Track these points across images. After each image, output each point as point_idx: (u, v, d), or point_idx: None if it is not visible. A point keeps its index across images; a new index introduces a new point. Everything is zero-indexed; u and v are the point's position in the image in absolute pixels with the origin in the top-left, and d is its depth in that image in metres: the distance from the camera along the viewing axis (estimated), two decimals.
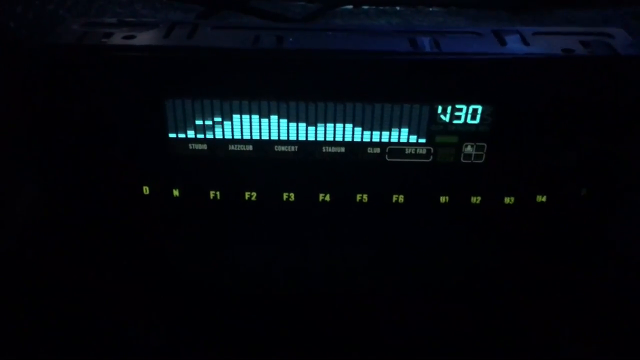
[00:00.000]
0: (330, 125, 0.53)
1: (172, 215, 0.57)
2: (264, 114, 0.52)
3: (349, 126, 0.53)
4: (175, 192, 0.57)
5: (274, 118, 0.53)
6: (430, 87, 0.51)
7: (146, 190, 0.56)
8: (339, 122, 0.53)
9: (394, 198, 0.57)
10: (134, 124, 0.53)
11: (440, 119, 0.53)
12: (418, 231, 0.57)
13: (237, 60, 0.50)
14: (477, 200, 0.57)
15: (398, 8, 0.74)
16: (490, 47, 0.52)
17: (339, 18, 0.72)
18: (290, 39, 0.51)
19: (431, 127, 0.53)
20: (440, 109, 0.52)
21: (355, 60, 0.50)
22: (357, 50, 0.51)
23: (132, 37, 0.51)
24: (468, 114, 0.53)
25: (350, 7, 0.74)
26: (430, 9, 0.75)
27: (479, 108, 0.52)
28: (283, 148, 0.54)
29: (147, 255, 0.55)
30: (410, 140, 0.54)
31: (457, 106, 0.52)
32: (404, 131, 0.53)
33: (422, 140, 0.54)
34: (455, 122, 0.53)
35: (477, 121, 0.53)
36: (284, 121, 0.53)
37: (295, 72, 0.50)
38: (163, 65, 0.50)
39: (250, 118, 0.53)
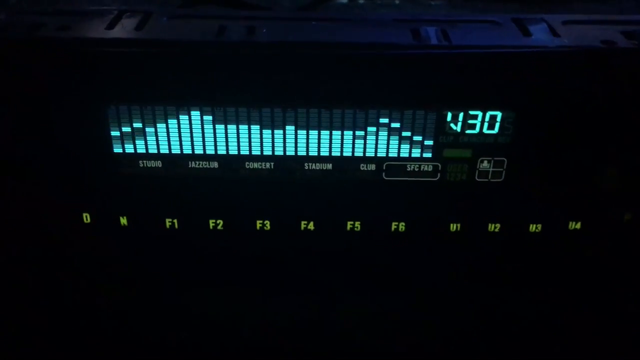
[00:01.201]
0: (313, 137, 0.46)
1: (118, 250, 0.51)
2: (231, 123, 0.46)
3: (337, 138, 0.46)
4: (123, 221, 0.50)
5: (243, 128, 0.46)
6: (437, 89, 0.44)
7: (86, 218, 0.50)
8: (325, 133, 0.46)
9: (393, 226, 0.50)
10: (70, 137, 0.46)
11: (450, 128, 0.46)
12: (422, 267, 0.52)
13: (196, 55, 0.43)
14: (495, 227, 0.50)
15: (397, 1, 0.66)
16: (512, 39, 0.45)
17: (333, 12, 0.65)
18: (264, 30, 0.45)
19: (439, 139, 0.46)
20: (450, 116, 0.46)
21: (343, 55, 0.43)
22: (346, 43, 0.44)
23: (66, 28, 0.44)
24: (484, 122, 0.46)
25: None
26: (433, 2, 0.68)
27: (498, 115, 0.45)
28: (256, 165, 0.48)
29: (85, 300, 0.49)
30: (413, 155, 0.47)
31: (471, 112, 0.45)
32: (405, 144, 0.47)
33: (428, 155, 0.47)
34: (468, 132, 0.46)
35: (495, 131, 0.46)
36: (256, 132, 0.46)
37: (269, 70, 0.44)
38: (104, 63, 0.43)
39: (214, 128, 0.46)
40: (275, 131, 0.46)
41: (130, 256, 0.52)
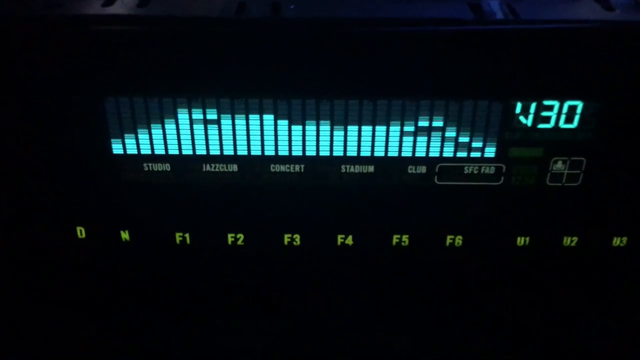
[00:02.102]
0: (352, 134, 0.43)
1: (118, 270, 0.48)
2: (254, 117, 0.42)
3: (380, 134, 0.43)
4: (124, 236, 0.47)
5: (268, 123, 0.42)
6: (504, 75, 0.40)
7: (80, 232, 0.47)
8: (366, 129, 0.42)
9: (448, 240, 0.47)
10: (60, 136, 0.43)
11: (519, 122, 0.42)
12: (484, 287, 0.48)
13: (212, 36, 0.40)
14: (571, 241, 0.46)
15: None
16: (593, 12, 0.41)
17: None
18: (292, 6, 0.41)
19: (504, 135, 0.42)
20: (519, 107, 0.41)
21: (389, 34, 0.39)
22: (392, 19, 0.40)
23: (57, 4, 0.41)
24: (561, 114, 0.41)
25: None
26: None
27: (579, 105, 0.41)
28: (283, 168, 0.44)
29: (80, 323, 0.47)
30: (472, 155, 0.43)
31: (545, 103, 0.41)
32: (463, 141, 0.43)
33: (490, 154, 0.43)
34: (541, 126, 0.42)
35: (574, 125, 0.42)
36: (283, 128, 0.42)
37: (299, 53, 0.40)
38: (99, 45, 0.40)
39: (234, 124, 0.42)
40: (307, 127, 0.43)
41: (133, 277, 0.49)
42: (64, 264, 0.48)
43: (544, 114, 0.41)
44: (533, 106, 0.41)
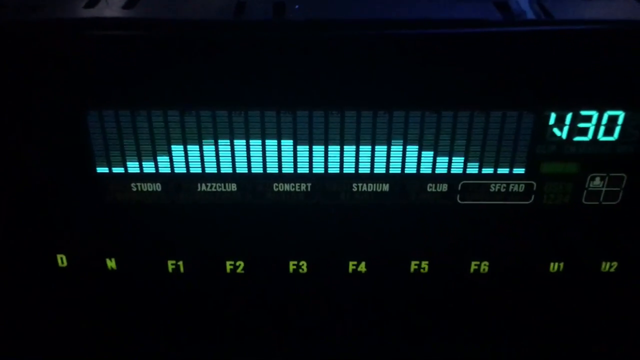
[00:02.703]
0: (365, 148, 0.40)
1: (104, 303, 0.46)
2: (255, 131, 0.40)
3: (396, 149, 0.40)
4: (110, 264, 0.44)
5: (271, 138, 0.40)
6: (537, 82, 0.38)
7: (62, 261, 0.44)
8: (381, 142, 0.40)
9: (473, 266, 0.44)
10: (38, 154, 0.41)
11: (553, 134, 0.40)
12: (512, 319, 0.46)
13: (208, 40, 0.37)
14: (610, 267, 0.44)
15: None
16: (634, 11, 0.38)
17: None
18: (297, 6, 0.39)
19: (535, 149, 0.40)
20: (553, 117, 0.39)
21: (406, 36, 0.37)
22: (410, 20, 0.37)
23: (35, 8, 0.39)
24: (600, 125, 0.39)
25: None
26: None
27: (620, 115, 0.39)
28: (287, 187, 0.42)
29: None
30: (499, 171, 0.41)
31: (583, 113, 0.39)
32: (490, 156, 0.41)
33: (519, 170, 0.41)
34: (577, 139, 0.39)
35: (614, 137, 0.39)
36: (288, 143, 0.40)
37: (305, 59, 0.38)
38: (81, 52, 0.37)
39: (232, 139, 0.40)
40: (314, 141, 0.40)
41: (121, 310, 0.47)
42: (44, 296, 0.45)
43: (581, 125, 0.39)
44: (569, 117, 0.39)
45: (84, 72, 0.38)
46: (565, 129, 0.39)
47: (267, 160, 0.40)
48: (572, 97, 0.38)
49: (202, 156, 0.40)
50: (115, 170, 0.40)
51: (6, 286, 0.45)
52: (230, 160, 0.40)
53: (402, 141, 0.39)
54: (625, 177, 0.40)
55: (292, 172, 0.41)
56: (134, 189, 0.41)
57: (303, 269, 0.45)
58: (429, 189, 0.41)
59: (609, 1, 0.39)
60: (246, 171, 0.41)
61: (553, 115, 0.38)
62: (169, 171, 0.41)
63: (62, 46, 0.37)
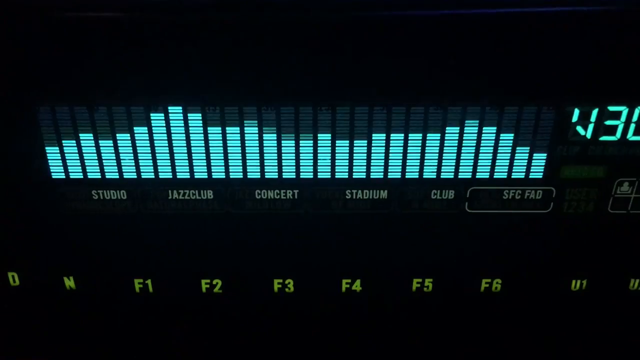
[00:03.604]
0: (360, 149, 0.37)
1: (61, 327, 0.42)
2: (233, 129, 0.36)
3: (396, 149, 0.37)
4: (68, 283, 0.41)
5: (251, 136, 0.36)
6: (556, 72, 0.35)
7: (13, 279, 0.41)
8: (378, 142, 0.37)
9: (483, 284, 0.41)
10: None
11: (576, 133, 0.36)
12: (528, 345, 0.42)
13: (179, 22, 0.33)
14: (639, 284, 0.41)
15: None
16: None
17: None
18: None
19: (556, 150, 0.37)
20: (576, 114, 0.36)
21: (409, 18, 0.33)
22: (412, 0, 0.33)
23: None
24: (630, 122, 0.36)
25: None
26: None
27: None
28: (271, 194, 0.39)
29: None
30: (514, 175, 0.38)
31: (610, 108, 0.35)
32: (503, 158, 0.37)
33: (537, 175, 0.38)
34: (603, 138, 0.36)
35: None
36: (271, 143, 0.36)
37: (293, 45, 0.34)
38: (30, 38, 0.33)
39: (206, 138, 0.36)
40: (302, 141, 0.37)
41: (81, 336, 0.43)
42: None
43: (608, 122, 0.35)
44: (594, 113, 0.35)
45: (34, 60, 0.33)
46: (590, 127, 0.36)
47: (247, 164, 0.36)
48: (598, 90, 0.35)
49: (172, 159, 0.36)
50: (73, 175, 0.37)
51: None
52: (205, 164, 0.36)
53: (402, 141, 0.35)
54: None
55: (277, 177, 0.37)
56: (95, 197, 0.38)
57: (289, 288, 0.42)
58: (433, 196, 0.38)
59: None
60: (224, 176, 0.37)
61: (576, 111, 0.35)
62: (135, 177, 0.37)
63: (7, 30, 0.32)
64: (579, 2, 0.34)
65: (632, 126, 0.35)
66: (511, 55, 0.33)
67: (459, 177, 0.37)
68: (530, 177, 0.37)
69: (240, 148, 0.36)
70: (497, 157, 0.37)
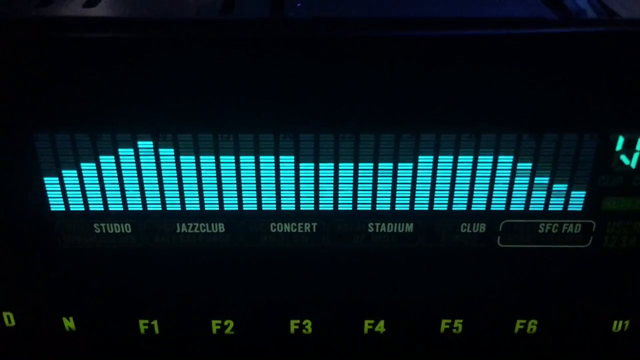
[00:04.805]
0: (384, 179, 0.35)
1: None
2: (247, 158, 0.35)
3: (423, 179, 0.35)
4: (68, 324, 0.39)
5: (267, 167, 0.35)
6: (599, 97, 0.33)
7: (8, 319, 0.39)
8: (404, 172, 0.35)
9: (518, 325, 0.39)
10: None
11: (620, 162, 0.35)
12: None
13: (188, 44, 0.32)
14: None
15: None
16: None
17: None
18: (298, 4, 0.34)
19: (597, 180, 0.35)
20: (620, 141, 0.34)
21: (438, 39, 0.32)
22: (442, 19, 0.32)
23: None
24: None
25: None
26: None
27: None
28: (287, 227, 0.37)
29: None
30: (551, 208, 0.36)
31: None
32: (540, 189, 0.36)
33: (576, 207, 0.36)
34: None
35: None
36: (287, 172, 0.35)
37: (309, 68, 0.32)
38: (28, 60, 0.32)
39: (218, 169, 0.35)
40: (321, 171, 0.35)
41: None
42: None
43: None
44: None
45: (32, 84, 0.31)
46: (636, 155, 0.34)
47: (262, 195, 0.35)
48: None
49: (181, 189, 0.34)
50: (74, 208, 0.35)
51: None
52: (217, 195, 0.35)
53: (430, 170, 0.33)
54: None
55: (294, 209, 0.36)
56: (98, 231, 0.36)
57: (307, 330, 0.40)
58: (462, 230, 0.36)
59: None
60: (236, 208, 0.36)
61: (621, 139, 0.33)
62: (141, 209, 0.35)
63: (5, 52, 0.30)
64: (619, 23, 0.32)
65: None
66: (551, 80, 0.32)
67: (491, 209, 0.35)
68: (568, 209, 0.36)
69: (254, 177, 0.34)
70: (533, 188, 0.35)
